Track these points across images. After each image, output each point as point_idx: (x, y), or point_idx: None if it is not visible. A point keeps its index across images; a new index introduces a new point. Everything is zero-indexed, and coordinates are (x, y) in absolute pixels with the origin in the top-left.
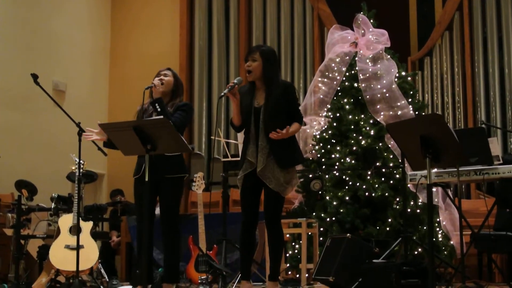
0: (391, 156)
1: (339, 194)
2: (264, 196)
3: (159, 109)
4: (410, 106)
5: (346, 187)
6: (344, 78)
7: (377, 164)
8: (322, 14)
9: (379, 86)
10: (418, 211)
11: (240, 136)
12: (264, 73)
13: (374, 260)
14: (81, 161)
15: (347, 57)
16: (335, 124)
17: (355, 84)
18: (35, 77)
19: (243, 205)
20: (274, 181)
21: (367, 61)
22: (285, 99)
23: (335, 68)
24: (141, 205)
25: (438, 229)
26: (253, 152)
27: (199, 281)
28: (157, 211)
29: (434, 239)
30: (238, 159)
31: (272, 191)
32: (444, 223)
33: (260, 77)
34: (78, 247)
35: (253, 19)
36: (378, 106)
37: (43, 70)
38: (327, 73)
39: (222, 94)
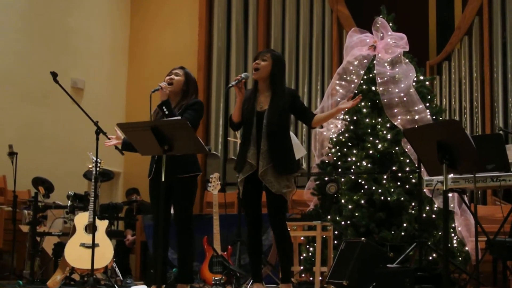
0: (408, 161)
1: (355, 197)
2: (267, 200)
3: (166, 112)
4: (428, 110)
5: (362, 191)
6: (362, 81)
7: (393, 168)
8: (341, 17)
9: (396, 90)
10: (433, 216)
11: None
12: (272, 75)
13: (389, 265)
14: (98, 160)
15: (365, 60)
16: (352, 127)
17: (373, 88)
18: (54, 75)
19: (246, 208)
20: (276, 185)
21: (385, 64)
22: (291, 106)
23: (353, 71)
24: (156, 206)
25: (453, 235)
26: (253, 154)
27: (213, 282)
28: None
29: (449, 245)
30: None
31: (274, 194)
32: (459, 229)
33: (266, 79)
34: (93, 246)
35: (272, 20)
36: (395, 110)
37: (62, 67)
38: (345, 76)
39: (230, 85)
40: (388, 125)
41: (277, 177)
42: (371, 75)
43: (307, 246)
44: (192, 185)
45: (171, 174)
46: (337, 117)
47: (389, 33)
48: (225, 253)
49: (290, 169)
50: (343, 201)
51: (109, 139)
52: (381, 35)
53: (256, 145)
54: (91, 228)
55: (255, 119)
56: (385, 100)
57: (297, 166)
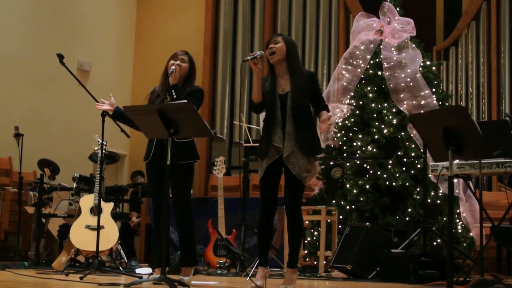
0: (413, 146)
1: (360, 182)
2: (285, 184)
3: (175, 96)
4: (434, 96)
5: (367, 176)
6: (368, 66)
7: (399, 153)
8: (348, 1)
9: (403, 75)
10: (438, 202)
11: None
12: (288, 55)
13: (393, 250)
14: (103, 142)
15: (372, 45)
16: (357, 112)
17: (379, 72)
18: (61, 57)
19: (263, 191)
20: (298, 167)
21: (392, 49)
22: (310, 87)
23: (360, 56)
24: (155, 189)
25: (458, 220)
26: (280, 137)
27: (217, 265)
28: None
29: (453, 231)
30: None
31: (293, 178)
32: (464, 214)
33: (283, 61)
34: (98, 228)
35: (278, 3)
36: (401, 95)
37: (69, 49)
38: (351, 61)
39: (245, 59)
40: (394, 110)
41: (301, 159)
42: (377, 60)
43: (312, 231)
44: (189, 171)
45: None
46: (343, 102)
47: (396, 17)
48: (230, 236)
49: (316, 150)
50: (348, 185)
51: (115, 122)
52: (388, 19)
53: (282, 129)
54: (96, 210)
55: (279, 102)
56: (391, 85)
57: (320, 147)
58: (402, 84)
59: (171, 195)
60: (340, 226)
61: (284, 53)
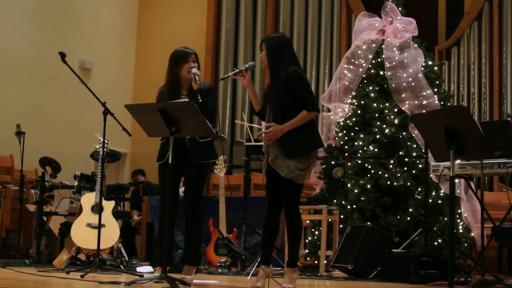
0: (415, 146)
1: (361, 182)
2: (280, 184)
3: (200, 100)
4: (436, 96)
5: (368, 175)
6: (370, 66)
7: (400, 153)
8: (350, 0)
9: (405, 75)
10: (439, 202)
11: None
12: (268, 61)
13: (394, 250)
14: (105, 140)
15: (374, 45)
16: (359, 111)
17: (381, 72)
18: (63, 55)
19: (267, 191)
20: (286, 169)
21: (394, 49)
22: (287, 88)
23: (362, 55)
24: (165, 187)
25: (459, 220)
26: (265, 142)
27: (218, 264)
28: (181, 191)
29: (454, 231)
30: (261, 143)
31: (284, 179)
32: (465, 215)
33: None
34: (99, 226)
35: (280, 2)
36: (403, 95)
37: (70, 48)
38: (353, 60)
39: (224, 76)
40: (395, 110)
41: (287, 161)
42: (379, 60)
43: (313, 230)
44: (205, 170)
45: (188, 157)
46: (345, 101)
47: (398, 17)
48: (231, 235)
49: (299, 151)
50: (349, 185)
51: (116, 120)
52: (390, 19)
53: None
54: (97, 209)
55: (268, 107)
56: (393, 85)
57: (310, 145)
58: (404, 84)
59: (182, 194)
60: (341, 226)
61: (266, 60)
